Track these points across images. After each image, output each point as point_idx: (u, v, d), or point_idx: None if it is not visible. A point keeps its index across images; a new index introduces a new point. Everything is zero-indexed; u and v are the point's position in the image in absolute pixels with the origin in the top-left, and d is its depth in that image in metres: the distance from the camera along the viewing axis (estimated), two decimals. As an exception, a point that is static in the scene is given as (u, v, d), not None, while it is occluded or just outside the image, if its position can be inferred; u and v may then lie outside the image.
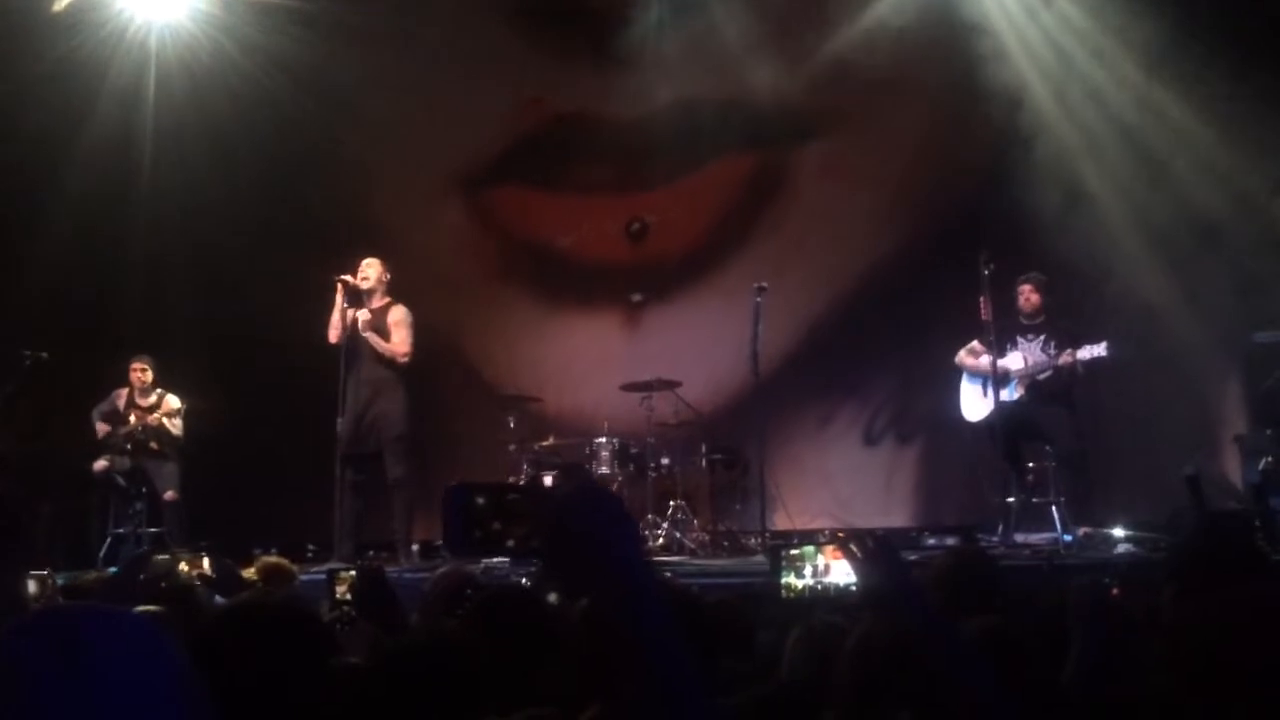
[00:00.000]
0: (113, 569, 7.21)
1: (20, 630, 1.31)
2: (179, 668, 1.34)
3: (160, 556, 5.10)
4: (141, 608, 2.78)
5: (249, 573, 4.96)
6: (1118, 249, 8.10)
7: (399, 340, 7.64)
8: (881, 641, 2.26)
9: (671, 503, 8.44)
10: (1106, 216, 8.23)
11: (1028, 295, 7.25)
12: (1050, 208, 8.26)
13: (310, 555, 8.06)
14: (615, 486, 8.34)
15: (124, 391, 8.49)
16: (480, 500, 1.44)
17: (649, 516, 8.34)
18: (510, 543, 1.44)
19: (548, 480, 8.14)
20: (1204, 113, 7.92)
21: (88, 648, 1.29)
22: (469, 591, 3.51)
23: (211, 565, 4.55)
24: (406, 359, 7.66)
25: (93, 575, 4.93)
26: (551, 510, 1.38)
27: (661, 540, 8.20)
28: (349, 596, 3.88)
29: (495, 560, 7.24)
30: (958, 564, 3.22)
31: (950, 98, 8.94)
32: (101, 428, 8.41)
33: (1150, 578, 3.88)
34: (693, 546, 8.12)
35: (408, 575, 6.32)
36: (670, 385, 8.61)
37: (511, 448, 8.63)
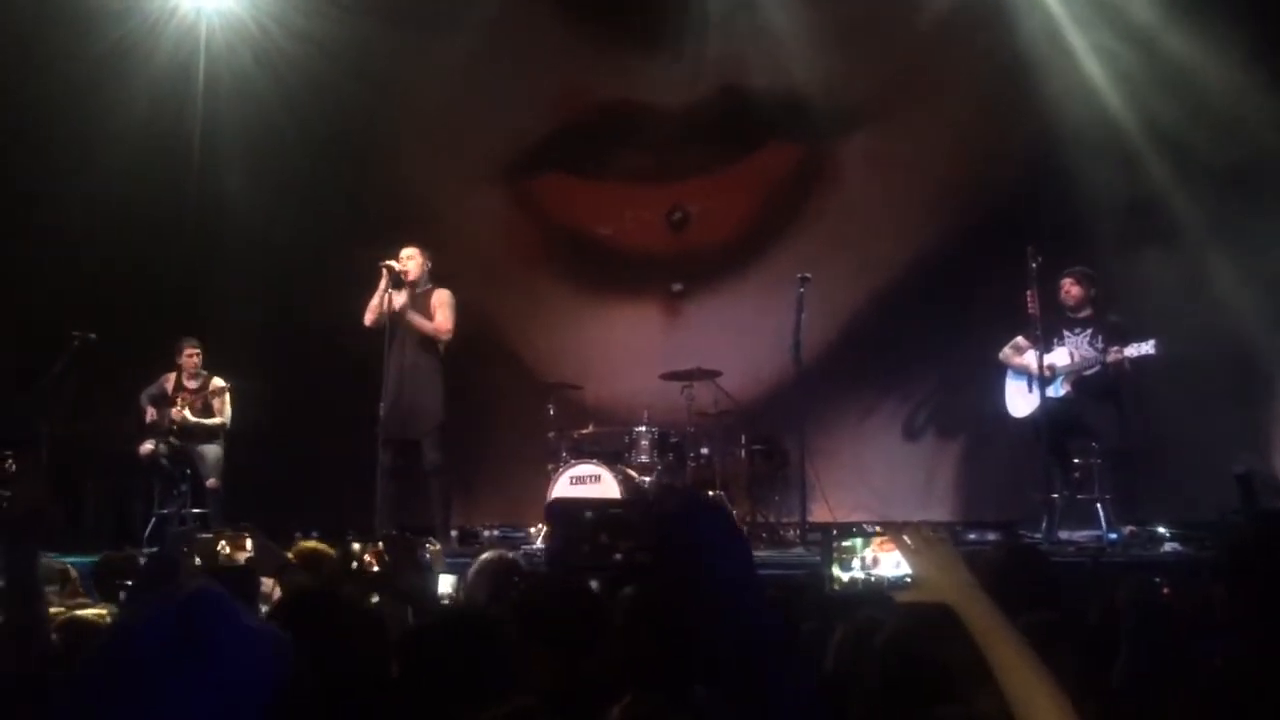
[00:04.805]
0: (154, 549, 7.29)
1: (152, 614, 1.32)
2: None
3: (202, 535, 5.13)
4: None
5: (288, 557, 4.96)
6: (1170, 243, 7.98)
7: (441, 319, 7.69)
8: (909, 638, 2.24)
9: (710, 493, 8.37)
10: (1158, 210, 8.12)
11: (1068, 289, 7.18)
12: (1100, 200, 8.17)
13: (349, 539, 8.07)
14: (654, 475, 8.34)
15: (171, 376, 8.57)
16: (588, 514, 1.45)
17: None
18: (618, 555, 1.46)
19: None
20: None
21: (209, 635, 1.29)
22: (516, 579, 3.51)
23: (255, 546, 4.55)
24: (448, 336, 7.70)
25: (126, 554, 4.92)
26: (660, 524, 1.38)
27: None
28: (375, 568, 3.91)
29: (536, 547, 7.28)
30: (1010, 559, 3.17)
31: (998, 88, 8.85)
32: (149, 412, 8.49)
33: (1200, 577, 3.83)
34: (731, 537, 8.07)
35: (446, 560, 6.33)
36: (710, 375, 8.57)
37: (551, 435, 8.64)
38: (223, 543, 4.70)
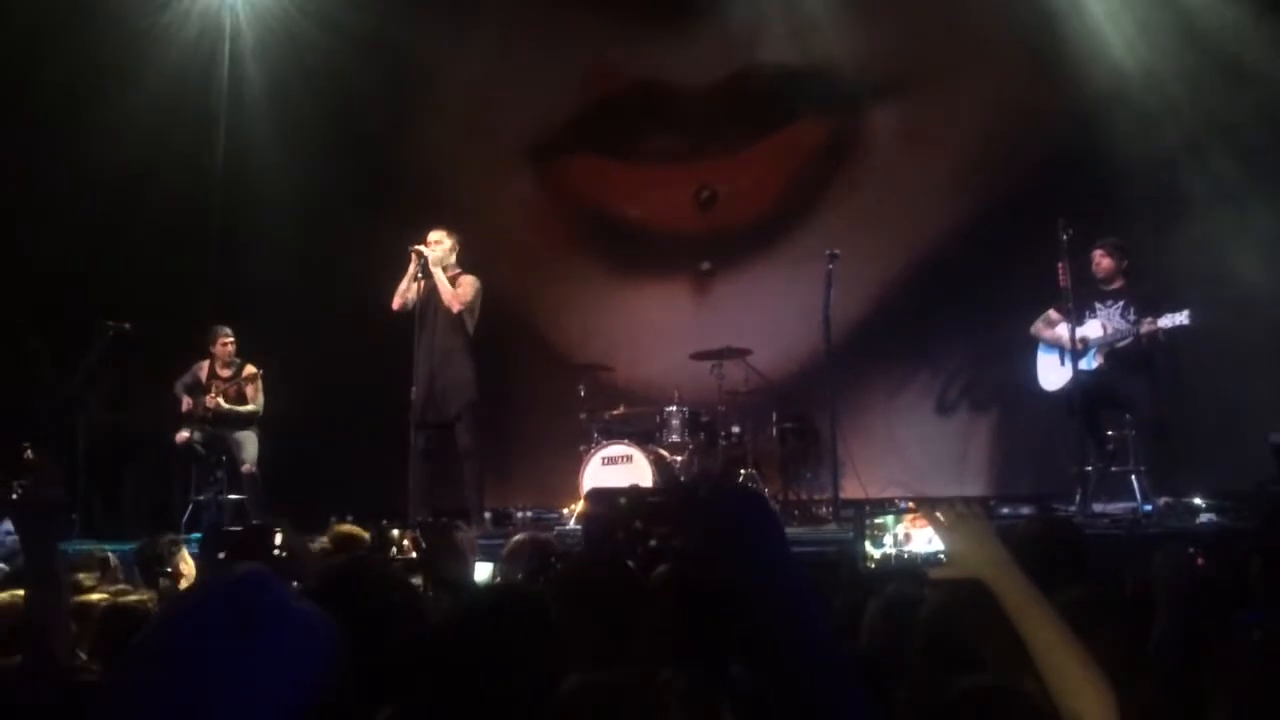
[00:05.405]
0: (195, 535, 7.36)
1: (205, 596, 1.34)
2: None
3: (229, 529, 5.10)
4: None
5: (323, 541, 4.97)
6: (1202, 212, 7.89)
7: (461, 293, 7.68)
8: (951, 614, 2.23)
9: (742, 471, 8.41)
10: (1190, 180, 8.02)
11: (1099, 260, 7.09)
12: (1131, 171, 8.09)
13: (384, 524, 8.11)
14: (686, 455, 8.36)
15: (205, 364, 8.65)
16: (623, 501, 1.46)
17: (720, 485, 8.31)
18: (653, 542, 1.46)
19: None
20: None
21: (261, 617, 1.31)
22: (553, 559, 3.53)
23: (284, 541, 4.47)
24: (462, 307, 7.63)
25: (166, 539, 4.94)
26: (696, 510, 1.39)
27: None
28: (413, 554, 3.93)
29: (569, 528, 7.30)
30: (1044, 533, 3.15)
31: (1029, 60, 8.76)
32: (185, 401, 8.58)
33: (1236, 548, 3.80)
34: (763, 515, 8.06)
35: (481, 543, 6.35)
36: (740, 354, 8.56)
37: (582, 416, 8.66)
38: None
